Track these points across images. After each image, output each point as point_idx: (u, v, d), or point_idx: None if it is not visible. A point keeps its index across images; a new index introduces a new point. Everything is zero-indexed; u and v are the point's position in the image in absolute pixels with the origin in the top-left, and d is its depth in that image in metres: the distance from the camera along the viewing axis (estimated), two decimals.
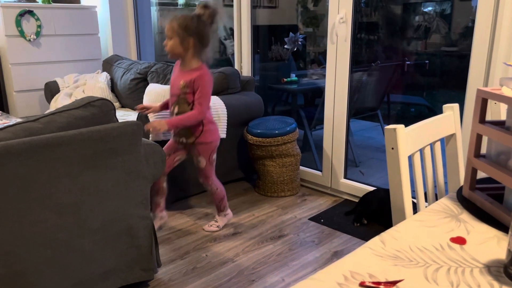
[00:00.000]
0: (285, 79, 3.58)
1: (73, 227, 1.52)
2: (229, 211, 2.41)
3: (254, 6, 3.16)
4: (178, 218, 2.49)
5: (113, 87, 3.62)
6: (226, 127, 2.67)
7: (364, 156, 3.62)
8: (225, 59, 4.78)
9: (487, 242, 0.78)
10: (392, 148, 0.94)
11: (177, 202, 2.69)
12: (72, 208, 1.50)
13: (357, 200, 2.68)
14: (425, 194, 1.15)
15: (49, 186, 1.44)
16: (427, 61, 4.65)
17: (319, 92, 3.43)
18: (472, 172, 0.94)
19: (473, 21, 2.03)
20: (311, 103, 4.06)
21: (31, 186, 1.39)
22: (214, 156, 2.24)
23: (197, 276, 1.94)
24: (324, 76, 2.76)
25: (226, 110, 2.68)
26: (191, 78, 2.03)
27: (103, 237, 1.61)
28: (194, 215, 2.52)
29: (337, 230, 2.35)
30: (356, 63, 2.66)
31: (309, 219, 2.49)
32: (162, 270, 1.97)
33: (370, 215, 2.41)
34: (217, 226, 2.35)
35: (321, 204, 2.70)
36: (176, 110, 2.11)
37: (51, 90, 3.51)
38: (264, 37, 4.42)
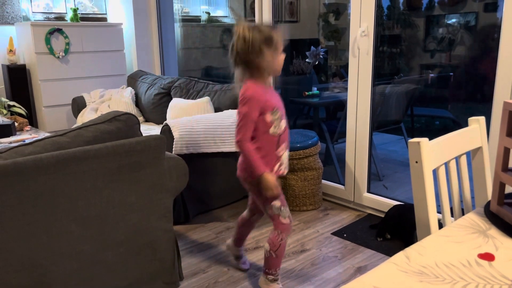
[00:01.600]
0: (306, 93, 3.58)
1: (98, 239, 1.55)
2: None
3: (275, 21, 3.20)
4: (200, 232, 2.49)
5: (137, 101, 3.70)
6: None
7: (388, 169, 3.56)
8: None
9: None
10: (416, 162, 0.93)
11: (199, 215, 2.71)
12: (97, 220, 1.53)
13: (380, 215, 2.64)
14: (451, 209, 1.12)
15: (75, 199, 1.47)
16: (451, 73, 4.57)
17: (341, 105, 3.42)
18: (500, 186, 0.92)
19: (499, 33, 2.00)
20: (333, 117, 4.04)
21: (58, 198, 1.43)
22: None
23: None
24: (346, 89, 2.75)
25: None
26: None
27: (127, 249, 1.63)
28: (216, 229, 2.53)
29: (360, 245, 2.31)
30: (378, 76, 2.64)
31: (331, 233, 2.46)
32: (184, 284, 1.98)
33: (392, 230, 2.36)
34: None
35: (344, 218, 2.67)
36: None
37: (78, 105, 3.61)
38: (286, 51, 4.45)
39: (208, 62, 4.96)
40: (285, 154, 1.77)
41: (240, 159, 1.79)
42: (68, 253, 1.48)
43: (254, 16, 3.21)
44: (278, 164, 1.74)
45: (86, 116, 3.44)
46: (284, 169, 1.78)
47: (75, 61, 3.70)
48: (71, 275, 1.50)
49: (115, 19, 4.13)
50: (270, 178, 1.67)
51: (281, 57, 1.67)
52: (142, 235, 1.67)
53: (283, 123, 1.72)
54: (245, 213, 2.02)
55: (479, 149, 1.16)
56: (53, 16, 3.86)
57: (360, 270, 2.07)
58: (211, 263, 2.16)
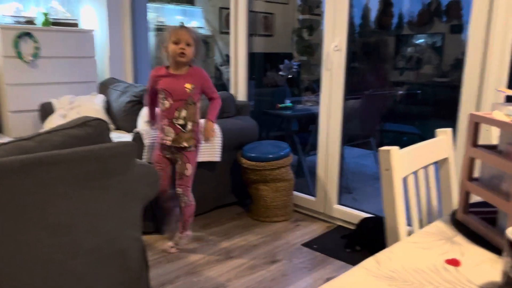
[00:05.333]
0: (279, 105, 3.61)
1: (68, 248, 1.50)
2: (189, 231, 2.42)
3: (250, 34, 3.23)
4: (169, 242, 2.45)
5: (108, 109, 3.63)
6: (220, 150, 2.68)
7: (358, 182, 3.62)
8: (221, 84, 4.83)
9: (481, 264, 0.78)
10: (387, 170, 0.95)
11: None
12: (67, 228, 1.48)
13: (350, 226, 2.67)
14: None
15: (44, 206, 1.42)
16: (419, 91, 4.73)
17: (313, 119, 3.47)
18: (465, 195, 0.95)
19: (463, 53, 2.09)
20: (305, 129, 4.09)
21: (26, 205, 1.38)
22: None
23: None
24: (317, 103, 2.80)
25: (221, 133, 2.69)
26: (197, 79, 2.20)
27: (96, 258, 1.58)
28: None
29: (330, 256, 2.33)
30: (349, 91, 2.70)
31: (302, 244, 2.46)
32: None
33: (362, 242, 2.39)
34: (177, 249, 2.36)
35: (315, 229, 2.68)
36: (184, 114, 2.18)
37: (46, 111, 3.51)
38: (260, 64, 4.49)
39: None
40: (167, 128, 2.21)
41: None
42: (36, 262, 1.42)
43: (229, 28, 3.23)
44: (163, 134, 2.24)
45: (54, 122, 3.35)
46: (167, 141, 2.22)
47: (44, 66, 3.60)
48: (39, 285, 1.44)
49: (87, 26, 4.07)
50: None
51: (171, 46, 2.12)
52: (112, 243, 1.62)
53: (167, 103, 2.18)
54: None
55: (446, 159, 1.20)
56: (23, 20, 3.76)
57: None
58: (180, 273, 2.12)
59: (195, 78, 2.19)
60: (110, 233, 1.61)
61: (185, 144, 2.21)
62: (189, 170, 2.26)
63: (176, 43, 2.11)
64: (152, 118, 2.39)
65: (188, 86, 2.16)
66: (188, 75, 2.18)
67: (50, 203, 1.43)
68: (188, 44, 2.12)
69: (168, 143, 2.22)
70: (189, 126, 2.20)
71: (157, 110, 2.30)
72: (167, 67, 2.20)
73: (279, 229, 2.66)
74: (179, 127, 2.19)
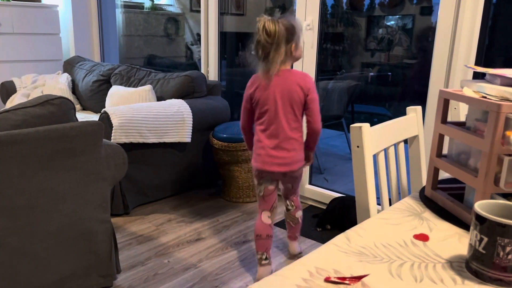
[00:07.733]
0: None
1: (26, 230, 1.44)
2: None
3: (221, 13, 3.16)
4: (139, 224, 2.41)
5: (74, 89, 3.51)
6: (191, 131, 2.63)
7: (329, 163, 3.66)
8: (192, 64, 4.74)
9: (449, 239, 0.79)
10: (358, 146, 0.95)
11: (138, 207, 2.62)
12: (26, 210, 1.42)
13: (321, 206, 2.70)
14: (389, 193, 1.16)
15: (0, 187, 1.35)
16: (389, 73, 4.78)
17: None
18: (434, 171, 0.96)
19: (433, 35, 2.10)
20: None
21: None
22: (255, 181, 1.91)
23: (158, 282, 1.87)
24: None
25: (191, 113, 2.64)
26: None
27: (59, 241, 1.53)
28: (156, 221, 2.46)
29: (301, 235, 2.35)
30: (321, 71, 2.69)
31: (274, 224, 2.47)
32: (122, 277, 1.90)
33: (334, 221, 2.42)
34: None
35: None
36: None
37: (7, 90, 3.35)
38: (232, 43, 4.42)
39: (151, 50, 4.82)
40: None
41: (292, 153, 1.79)
42: None
43: (199, 7, 3.15)
44: None
45: (16, 101, 3.20)
46: None
47: (4, 43, 3.43)
48: None
49: (50, 1, 3.88)
50: None
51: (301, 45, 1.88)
52: (76, 226, 1.57)
53: None
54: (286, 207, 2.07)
55: (415, 137, 1.20)
56: None
57: None
58: (150, 255, 2.09)
59: None
60: (74, 215, 1.56)
61: None
62: None
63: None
64: None
65: None
66: None
67: (7, 184, 1.36)
68: None
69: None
70: None
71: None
72: None
73: (251, 209, 2.66)
74: None
